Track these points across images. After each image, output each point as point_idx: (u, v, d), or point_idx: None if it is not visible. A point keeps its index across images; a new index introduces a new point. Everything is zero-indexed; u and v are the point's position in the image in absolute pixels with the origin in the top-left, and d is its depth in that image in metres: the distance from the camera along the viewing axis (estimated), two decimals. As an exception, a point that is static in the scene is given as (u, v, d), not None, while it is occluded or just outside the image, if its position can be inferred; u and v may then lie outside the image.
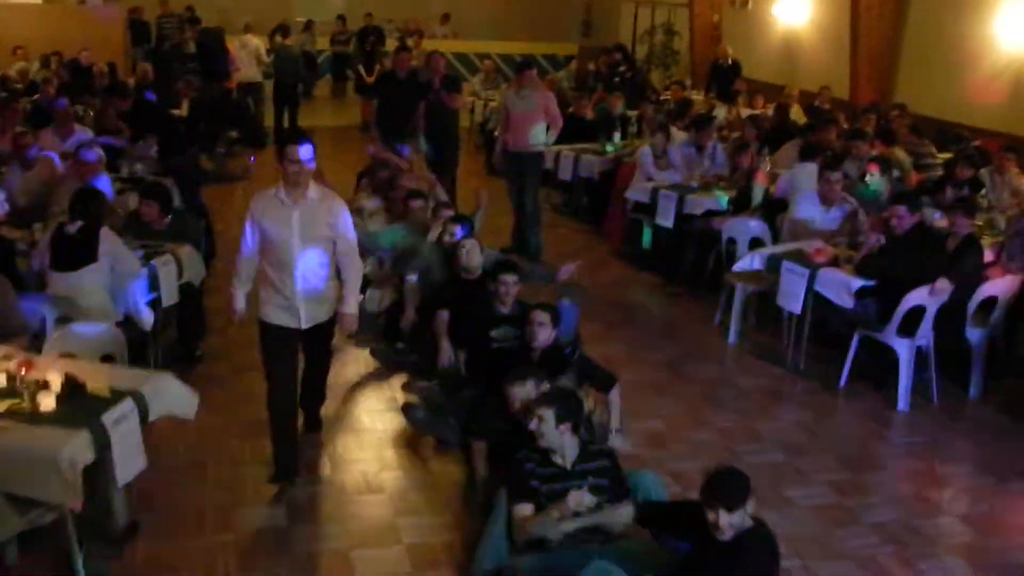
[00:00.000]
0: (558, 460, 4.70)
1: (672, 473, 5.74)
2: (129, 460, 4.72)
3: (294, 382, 5.78)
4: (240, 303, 5.70)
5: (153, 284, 6.79)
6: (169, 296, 6.93)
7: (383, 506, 5.52)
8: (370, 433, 6.40)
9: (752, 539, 4.10)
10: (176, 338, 7.47)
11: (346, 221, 5.55)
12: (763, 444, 6.49)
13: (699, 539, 4.17)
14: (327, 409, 6.55)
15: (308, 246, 5.39)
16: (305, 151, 5.27)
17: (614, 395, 6.06)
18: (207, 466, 5.86)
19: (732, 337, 8.22)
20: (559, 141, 11.38)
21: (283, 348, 5.63)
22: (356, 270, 5.68)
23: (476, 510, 5.34)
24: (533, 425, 4.68)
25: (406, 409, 6.42)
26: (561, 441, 4.69)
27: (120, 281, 6.38)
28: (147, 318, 6.55)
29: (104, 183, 7.80)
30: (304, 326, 5.55)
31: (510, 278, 6.42)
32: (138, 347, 6.55)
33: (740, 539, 4.05)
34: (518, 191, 10.31)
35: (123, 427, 4.64)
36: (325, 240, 5.47)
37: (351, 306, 5.69)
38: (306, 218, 5.36)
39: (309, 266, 5.43)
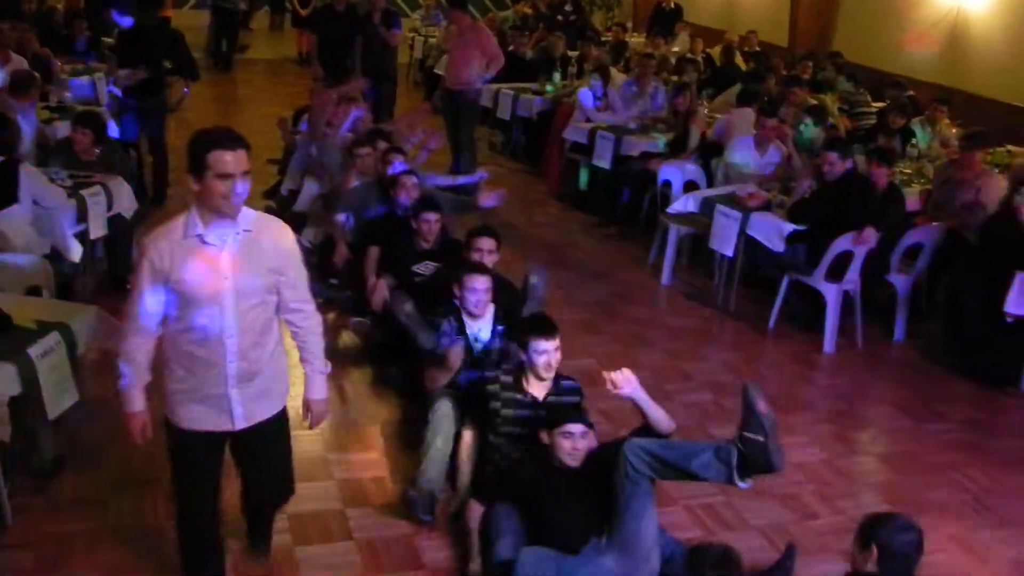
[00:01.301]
0: (532, 390, 4.80)
1: (602, 411, 5.79)
2: (59, 394, 4.70)
3: (218, 503, 4.09)
4: (138, 403, 3.88)
5: (81, 215, 6.68)
6: (97, 228, 6.82)
7: (314, 442, 5.53)
8: (301, 370, 6.36)
9: (598, 450, 4.41)
10: (106, 270, 7.36)
11: (298, 258, 3.80)
12: (692, 383, 6.61)
13: (543, 489, 4.31)
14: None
15: (248, 304, 3.62)
16: (241, 159, 3.46)
17: None
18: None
19: (665, 278, 8.32)
20: (498, 80, 11.33)
21: (206, 459, 3.92)
22: (318, 330, 4.00)
23: (408, 446, 5.42)
24: (545, 359, 4.73)
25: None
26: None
27: (46, 214, 6.26)
28: (75, 250, 6.45)
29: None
30: (240, 426, 3.82)
31: (431, 215, 6.40)
32: (66, 279, 6.46)
33: (591, 457, 4.33)
34: (454, 129, 10.26)
35: (50, 360, 4.61)
36: (270, 291, 3.71)
37: (319, 388, 4.09)
38: (244, 261, 3.57)
39: (249, 335, 3.67)
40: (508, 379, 4.85)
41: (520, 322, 5.07)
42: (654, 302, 8.10)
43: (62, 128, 8.15)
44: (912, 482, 5.60)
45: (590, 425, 4.40)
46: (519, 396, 4.80)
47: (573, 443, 4.30)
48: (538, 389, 4.82)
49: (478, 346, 5.30)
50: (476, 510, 4.51)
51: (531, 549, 4.16)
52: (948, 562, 4.84)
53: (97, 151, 7.30)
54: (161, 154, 9.32)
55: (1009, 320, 6.58)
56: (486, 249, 5.84)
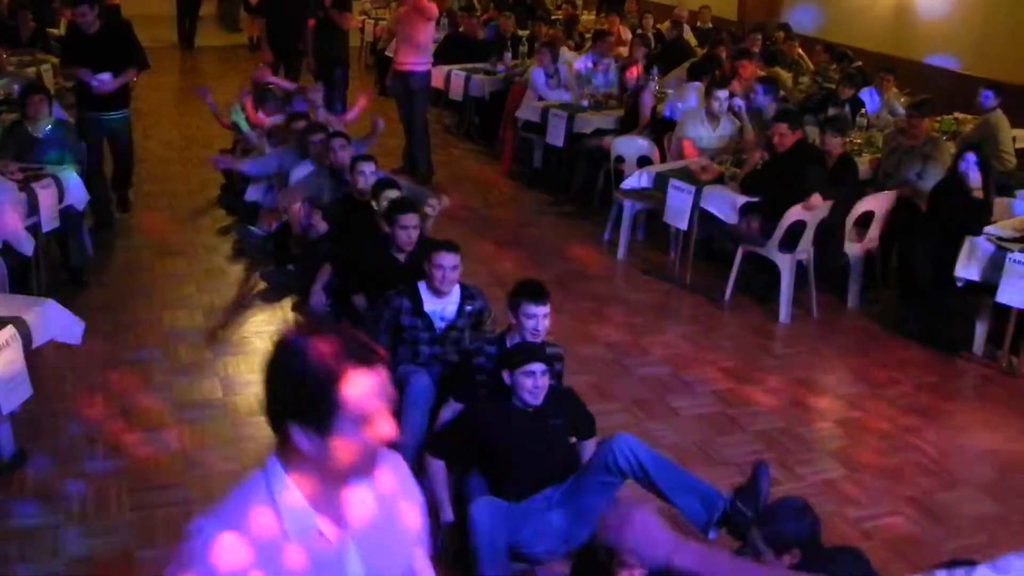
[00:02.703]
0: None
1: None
2: (14, 388, 4.64)
3: None
4: None
5: (32, 209, 6.59)
6: (49, 221, 6.73)
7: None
8: (262, 355, 6.32)
9: (557, 390, 4.51)
10: (59, 263, 7.28)
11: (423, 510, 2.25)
12: (650, 357, 6.66)
13: (501, 430, 4.35)
14: (219, 331, 6.55)
15: None
16: (384, 373, 1.92)
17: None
18: (96, 393, 5.78)
19: (621, 254, 8.37)
20: (450, 61, 11.30)
21: None
22: None
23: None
24: (533, 323, 4.72)
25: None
26: None
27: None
28: (27, 244, 6.37)
29: None
30: None
31: (393, 193, 6.34)
32: (20, 273, 6.39)
33: (551, 394, 4.38)
34: (406, 112, 10.23)
35: (5, 355, 4.56)
36: None
37: None
38: (379, 555, 2.06)
39: None
40: (493, 349, 4.86)
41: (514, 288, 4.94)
42: (611, 278, 8.15)
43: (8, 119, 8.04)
44: (870, 447, 5.70)
45: (550, 364, 4.44)
46: None
47: (535, 381, 4.31)
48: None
49: (441, 324, 5.28)
50: (435, 465, 4.47)
51: (484, 501, 4.18)
52: (906, 524, 4.93)
53: (49, 126, 7.24)
54: (127, 159, 8.72)
55: (959, 284, 6.69)
56: (411, 225, 5.83)
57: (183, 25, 17.58)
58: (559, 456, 4.47)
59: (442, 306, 5.31)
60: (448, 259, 5.23)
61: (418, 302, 5.28)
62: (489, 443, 4.37)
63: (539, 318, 4.74)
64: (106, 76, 7.92)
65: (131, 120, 8.62)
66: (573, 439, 4.67)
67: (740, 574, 2.03)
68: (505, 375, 4.38)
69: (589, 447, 4.67)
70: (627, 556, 2.09)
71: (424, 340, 5.29)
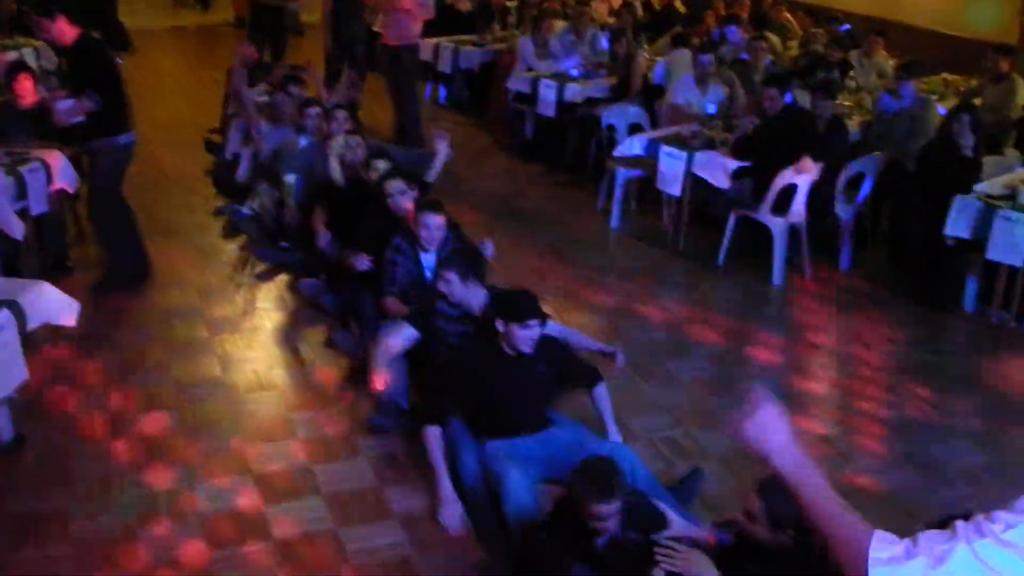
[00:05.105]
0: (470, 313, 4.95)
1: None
2: (10, 371, 4.64)
3: None
4: None
5: (21, 192, 6.55)
6: (38, 204, 6.68)
7: (276, 403, 5.54)
8: (259, 332, 6.39)
9: (544, 338, 4.53)
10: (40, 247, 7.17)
11: None
12: (645, 322, 6.70)
13: (492, 375, 4.45)
14: (215, 310, 6.57)
15: None
16: None
17: None
18: (93, 375, 5.78)
19: (614, 221, 8.38)
20: (438, 33, 11.27)
21: None
22: None
23: (369, 401, 5.48)
24: (442, 287, 4.91)
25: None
26: (468, 295, 4.96)
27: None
28: (17, 228, 6.35)
29: None
30: None
31: (381, 164, 6.43)
32: (11, 258, 6.38)
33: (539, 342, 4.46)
34: (395, 86, 10.19)
35: (1, 338, 4.56)
36: None
37: None
38: None
39: None
40: (453, 308, 4.98)
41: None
42: (605, 245, 8.17)
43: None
44: (864, 403, 5.74)
45: (544, 320, 4.47)
46: (457, 312, 5.01)
47: (531, 333, 4.39)
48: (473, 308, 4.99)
49: (428, 274, 5.50)
50: (432, 434, 4.45)
51: (492, 447, 4.33)
52: (902, 477, 4.99)
53: (34, 105, 7.17)
54: (91, 208, 6.87)
55: (950, 243, 6.72)
56: (381, 168, 6.30)
57: None
58: (540, 402, 4.59)
59: (430, 259, 5.57)
60: (435, 220, 5.41)
61: (414, 249, 5.50)
62: (475, 386, 4.44)
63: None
64: (65, 103, 6.36)
65: (109, 158, 6.56)
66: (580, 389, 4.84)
67: (818, 504, 2.02)
68: (499, 323, 4.40)
69: (601, 393, 4.80)
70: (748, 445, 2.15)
71: (413, 287, 5.46)
